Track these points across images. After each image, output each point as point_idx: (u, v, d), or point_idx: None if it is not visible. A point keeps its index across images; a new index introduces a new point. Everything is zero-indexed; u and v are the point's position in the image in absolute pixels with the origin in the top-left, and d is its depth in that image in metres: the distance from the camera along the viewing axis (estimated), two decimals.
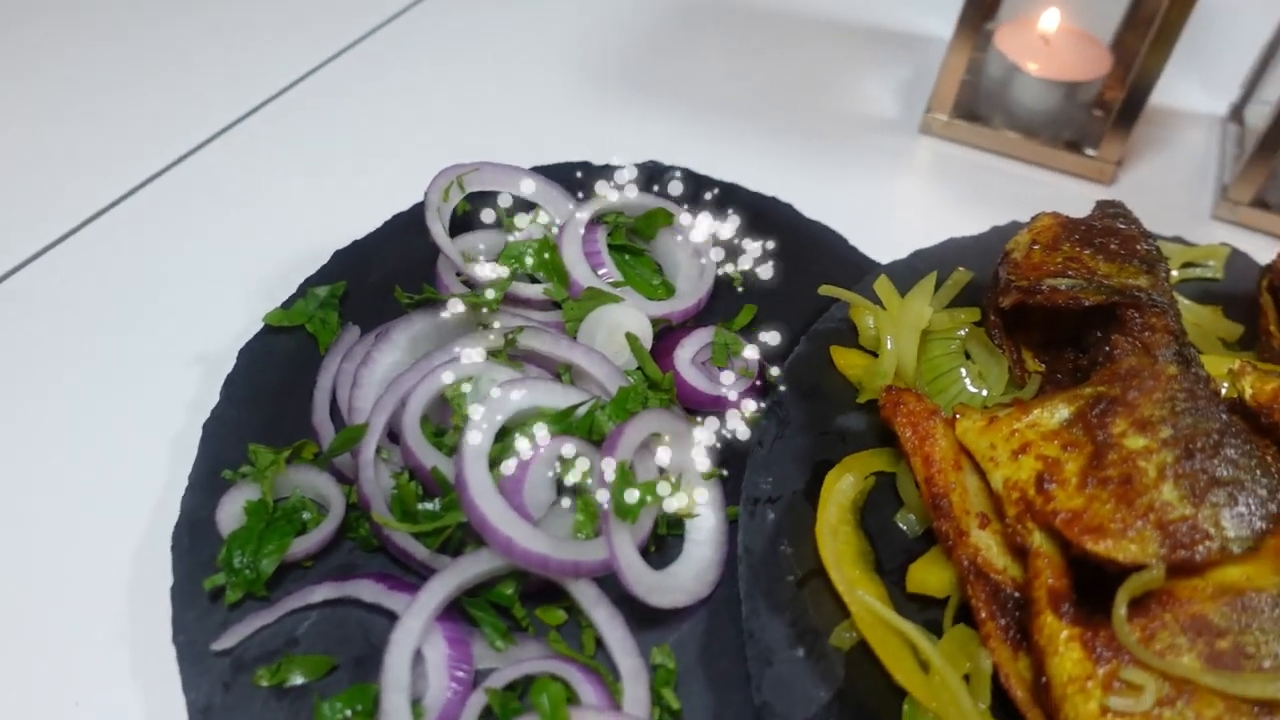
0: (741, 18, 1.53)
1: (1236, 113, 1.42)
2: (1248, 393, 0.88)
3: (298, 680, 0.75)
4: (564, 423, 0.83)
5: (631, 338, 0.92)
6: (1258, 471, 0.75)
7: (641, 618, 0.80)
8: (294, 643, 0.78)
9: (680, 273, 1.04)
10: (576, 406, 0.84)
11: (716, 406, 0.94)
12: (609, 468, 0.78)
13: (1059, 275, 0.91)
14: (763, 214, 1.15)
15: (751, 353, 0.97)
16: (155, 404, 0.96)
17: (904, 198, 1.26)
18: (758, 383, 0.96)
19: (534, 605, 0.81)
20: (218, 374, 0.95)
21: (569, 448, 0.82)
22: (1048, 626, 0.72)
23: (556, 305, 0.97)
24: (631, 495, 0.79)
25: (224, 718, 0.74)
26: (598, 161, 1.15)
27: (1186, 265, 1.10)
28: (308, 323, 0.97)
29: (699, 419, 0.91)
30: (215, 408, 0.92)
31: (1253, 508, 0.73)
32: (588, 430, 0.84)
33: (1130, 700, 0.66)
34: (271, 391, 0.93)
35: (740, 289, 1.07)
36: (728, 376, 0.95)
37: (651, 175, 1.15)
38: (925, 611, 0.81)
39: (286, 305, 0.99)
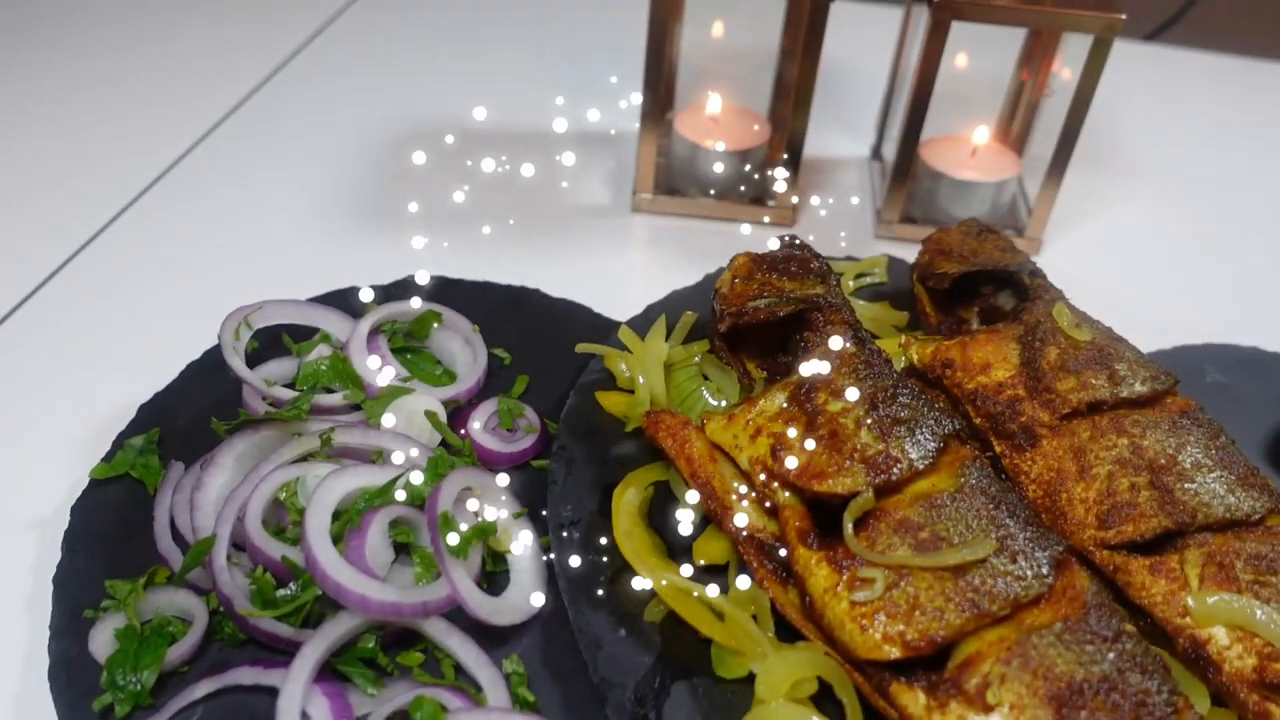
0: (459, 139, 1.73)
1: (876, 152, 1.75)
2: (914, 358, 1.14)
3: None
4: (386, 495, 0.98)
5: (431, 414, 1.08)
6: (925, 409, 1.00)
7: (488, 639, 0.95)
8: None
9: (458, 360, 1.21)
10: (395, 480, 0.99)
11: (513, 462, 1.11)
12: (434, 520, 0.94)
13: (757, 298, 1.15)
14: (518, 300, 1.34)
15: (532, 414, 1.15)
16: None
17: (629, 266, 1.48)
18: (540, 436, 1.13)
19: (395, 653, 0.94)
20: (55, 534, 1.03)
21: (396, 513, 0.96)
22: (801, 557, 0.93)
23: (357, 407, 1.12)
24: (455, 538, 0.94)
25: None
26: (363, 284, 1.31)
27: (859, 275, 1.38)
28: (131, 469, 1.07)
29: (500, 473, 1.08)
30: (60, 562, 1.00)
31: (926, 435, 0.97)
32: (408, 499, 0.98)
33: (868, 592, 0.88)
34: (111, 537, 1.02)
35: (509, 364, 1.24)
36: (517, 437, 1.13)
37: (412, 287, 1.32)
38: (713, 577, 0.99)
39: (107, 459, 1.08)
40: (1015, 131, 1.63)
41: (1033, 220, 1.54)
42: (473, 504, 1.01)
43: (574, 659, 0.95)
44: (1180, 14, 2.32)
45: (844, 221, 1.60)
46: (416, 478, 0.99)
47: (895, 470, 0.94)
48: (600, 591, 0.98)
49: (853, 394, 1.01)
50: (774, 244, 1.25)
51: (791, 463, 0.97)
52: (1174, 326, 1.41)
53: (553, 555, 1.00)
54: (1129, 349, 1.12)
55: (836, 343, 1.07)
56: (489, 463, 1.10)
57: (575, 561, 1.00)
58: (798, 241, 1.25)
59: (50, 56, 1.90)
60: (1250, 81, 2.18)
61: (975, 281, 1.26)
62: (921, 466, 0.95)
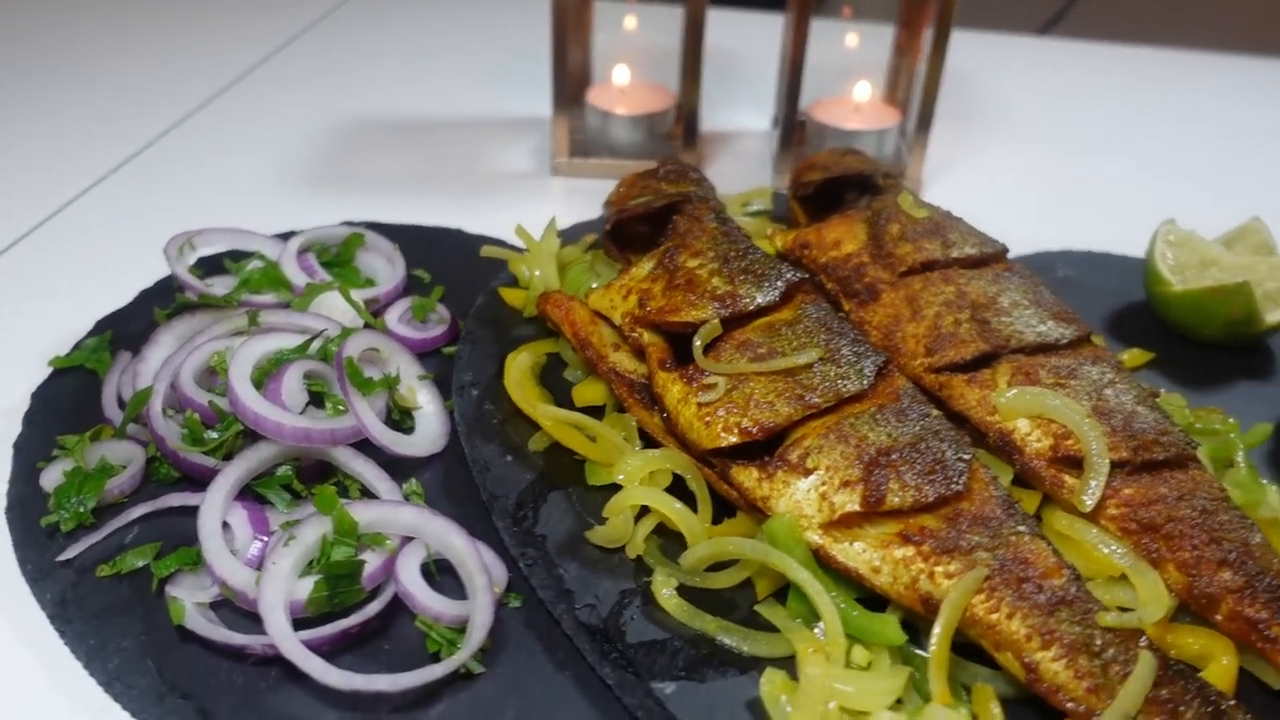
0: (401, 122, 1.92)
1: (775, 122, 1.92)
2: (779, 244, 1.30)
3: (135, 564, 0.98)
4: (302, 351, 1.12)
5: (350, 298, 1.22)
6: (772, 264, 1.14)
7: (393, 471, 1.08)
8: (124, 546, 1.00)
9: (380, 274, 1.37)
10: (310, 340, 1.13)
11: (424, 347, 1.26)
12: (341, 361, 1.08)
13: (638, 198, 1.31)
14: (439, 237, 1.50)
15: (443, 309, 1.30)
16: None
17: (545, 215, 1.63)
18: (450, 327, 1.28)
19: (311, 484, 1.07)
20: (16, 417, 1.16)
21: (311, 366, 1.11)
22: (659, 378, 1.07)
23: (286, 305, 1.26)
24: (361, 380, 1.08)
25: (77, 605, 0.95)
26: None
27: (747, 204, 1.54)
28: (86, 362, 1.21)
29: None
30: (19, 435, 1.14)
31: (772, 281, 1.12)
32: (323, 359, 1.13)
33: (711, 394, 1.01)
34: (66, 412, 1.16)
35: (429, 280, 1.40)
36: (429, 327, 1.28)
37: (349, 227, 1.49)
38: (591, 415, 1.13)
39: (68, 356, 1.23)
40: (901, 90, 1.81)
41: (912, 161, 1.70)
42: (381, 365, 1.15)
43: (468, 486, 1.08)
44: (1063, 12, 2.56)
45: (744, 180, 1.77)
46: (331, 342, 1.14)
47: (740, 304, 1.09)
48: (491, 428, 1.12)
49: (710, 254, 1.16)
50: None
51: (653, 305, 1.11)
52: (1035, 239, 1.56)
53: (455, 410, 1.14)
54: (964, 225, 1.27)
55: (701, 221, 1.23)
56: (404, 347, 1.24)
57: (472, 411, 1.14)
58: (677, 162, 1.41)
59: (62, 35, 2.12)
60: (1114, 64, 2.41)
61: (839, 190, 1.42)
62: (764, 302, 1.09)
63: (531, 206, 1.68)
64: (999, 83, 2.25)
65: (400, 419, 1.15)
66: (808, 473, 0.95)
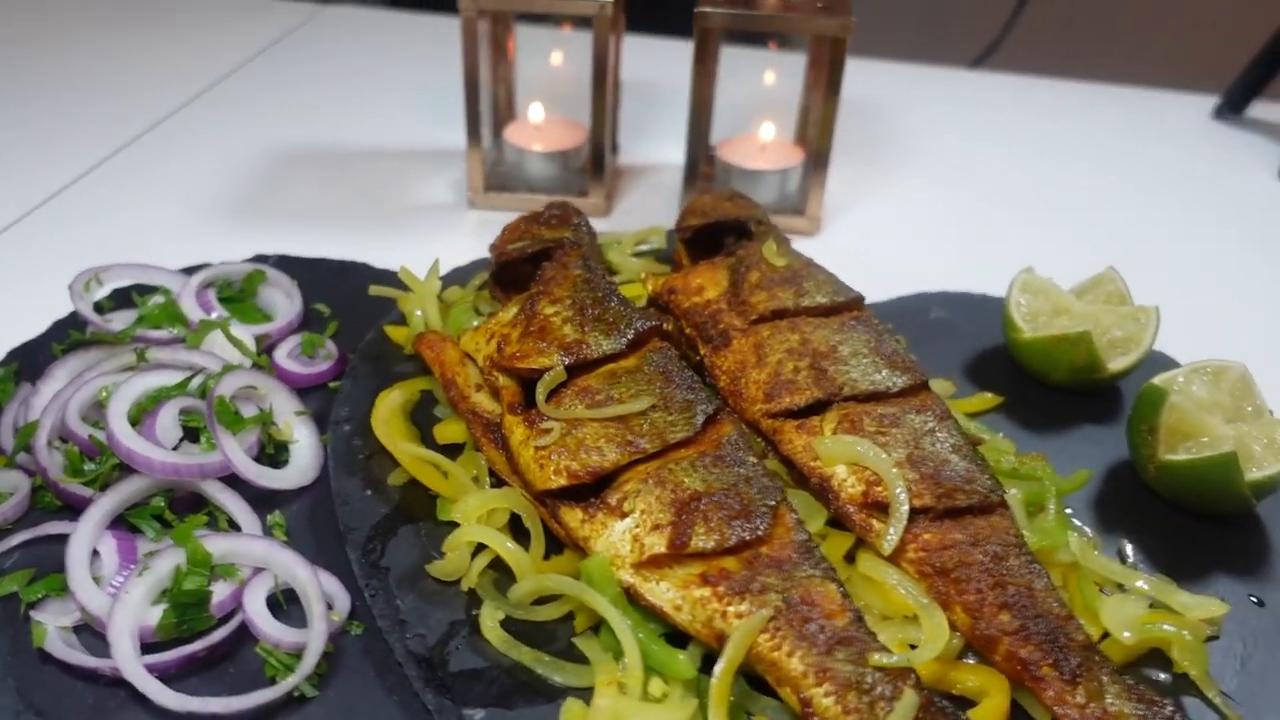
0: (328, 153, 2.00)
1: None
2: (649, 288, 1.37)
3: (9, 589, 1.06)
4: (181, 389, 1.20)
5: (232, 336, 1.30)
6: (627, 315, 1.21)
7: (263, 503, 1.16)
8: (3, 571, 1.09)
9: (279, 310, 1.45)
10: (189, 378, 1.21)
11: (311, 382, 1.34)
12: (211, 400, 1.16)
13: (517, 242, 1.38)
14: (345, 270, 1.58)
15: (332, 346, 1.38)
16: None
17: (457, 249, 1.70)
18: (337, 363, 1.36)
19: (183, 515, 1.15)
20: None
21: (189, 403, 1.19)
22: (508, 422, 1.14)
23: (181, 340, 1.34)
24: (231, 417, 1.16)
25: None
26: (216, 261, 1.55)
27: (640, 242, 1.61)
28: None
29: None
30: None
31: (622, 330, 1.19)
32: (202, 394, 1.21)
33: (547, 438, 1.09)
34: None
35: (328, 314, 1.48)
36: (316, 363, 1.36)
37: (259, 262, 1.57)
38: (452, 452, 1.21)
39: None
40: (810, 131, 1.88)
41: (809, 202, 1.78)
42: (257, 402, 1.23)
43: (332, 517, 1.16)
44: (997, 43, 2.62)
45: (654, 214, 1.84)
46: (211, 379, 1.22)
47: (585, 352, 1.16)
48: (357, 464, 1.19)
49: (567, 302, 1.23)
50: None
51: (509, 350, 1.19)
52: (918, 280, 1.64)
53: (328, 445, 1.22)
54: (823, 274, 1.34)
55: (568, 268, 1.30)
56: (290, 383, 1.32)
57: (342, 446, 1.22)
58: (563, 206, 1.49)
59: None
60: (1035, 99, 2.47)
61: (719, 235, 1.49)
62: (610, 350, 1.17)
63: (445, 240, 1.76)
64: (919, 117, 2.31)
65: (276, 452, 1.23)
66: (624, 515, 1.03)
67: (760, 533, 1.00)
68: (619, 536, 1.02)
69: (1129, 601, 1.05)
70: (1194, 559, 1.17)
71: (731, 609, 0.96)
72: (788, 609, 0.96)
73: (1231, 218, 1.98)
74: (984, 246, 1.83)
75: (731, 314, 1.29)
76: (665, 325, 1.34)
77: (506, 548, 1.05)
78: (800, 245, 1.73)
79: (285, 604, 1.06)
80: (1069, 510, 1.21)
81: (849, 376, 1.19)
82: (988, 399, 1.37)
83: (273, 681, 0.99)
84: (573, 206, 1.48)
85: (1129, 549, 1.18)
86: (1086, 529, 1.19)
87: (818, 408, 1.18)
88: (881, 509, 1.07)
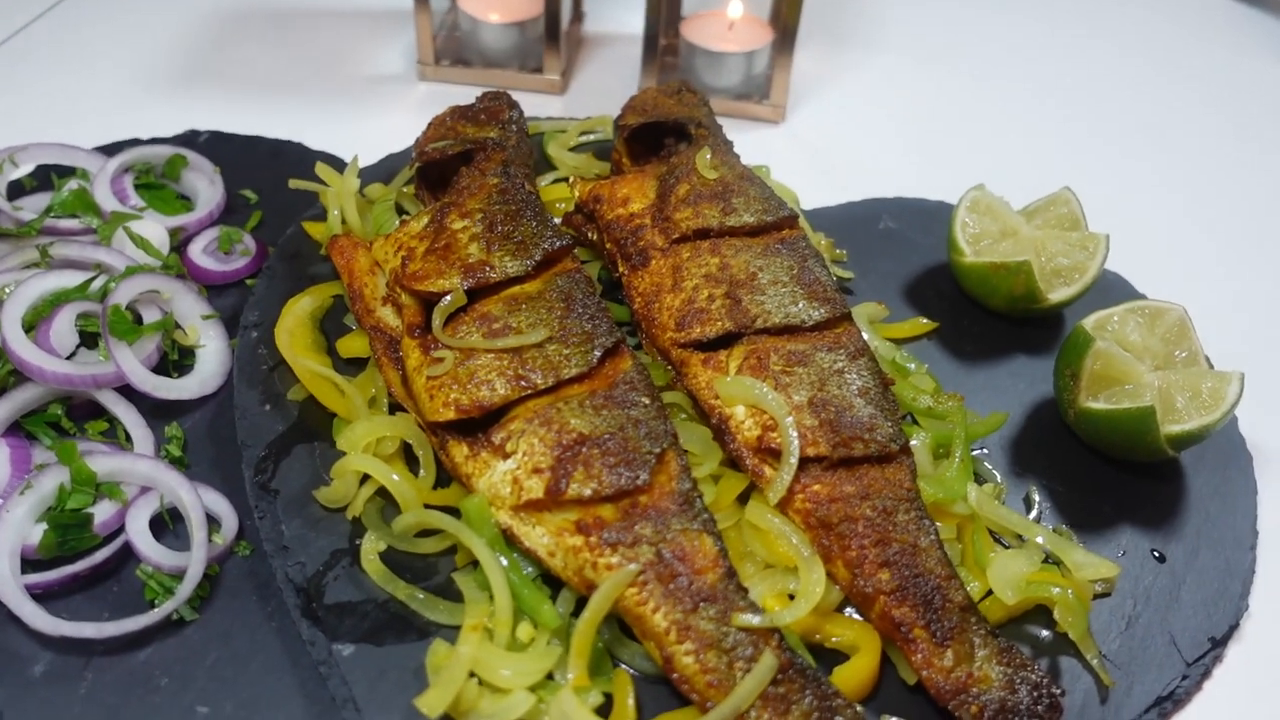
0: (272, 12, 1.90)
1: None
2: (576, 194, 1.31)
3: None
4: (80, 293, 1.17)
5: (137, 236, 1.27)
6: (540, 232, 1.16)
7: (164, 413, 1.15)
8: None
9: (200, 198, 1.40)
10: (89, 282, 1.19)
11: (226, 279, 1.31)
12: (105, 309, 1.13)
13: (440, 141, 1.32)
14: (279, 151, 1.53)
15: (250, 241, 1.34)
16: None
17: (403, 127, 1.63)
18: (255, 259, 1.32)
19: (83, 422, 1.15)
20: None
21: (87, 307, 1.16)
22: (405, 345, 1.11)
23: (94, 231, 1.31)
24: (127, 326, 1.13)
25: None
26: (145, 137, 1.50)
27: (584, 133, 1.54)
28: None
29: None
30: None
31: (529, 250, 1.15)
32: (101, 298, 1.18)
33: (438, 368, 1.06)
34: None
35: (254, 202, 1.43)
36: (232, 259, 1.32)
37: (189, 140, 1.51)
38: (356, 368, 1.19)
39: None
40: (779, 5, 1.76)
41: (774, 88, 1.68)
42: (166, 308, 1.20)
43: (234, 430, 1.15)
44: None
45: (613, 96, 1.75)
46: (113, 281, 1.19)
47: (487, 275, 1.12)
48: (259, 376, 1.18)
49: (478, 216, 1.18)
50: (546, 113, 1.41)
51: (411, 269, 1.15)
52: (877, 182, 1.56)
53: (235, 351, 1.20)
54: (757, 189, 1.28)
55: (485, 175, 1.24)
56: (204, 280, 1.30)
57: (248, 354, 1.20)
58: (501, 97, 1.41)
59: None
60: None
61: (661, 134, 1.42)
62: (514, 273, 1.13)
63: (390, 116, 1.69)
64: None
65: (181, 358, 1.21)
66: (506, 456, 1.01)
67: (640, 482, 0.98)
68: (499, 477, 1.01)
69: (1018, 558, 1.03)
70: (1104, 509, 1.15)
71: (602, 560, 0.96)
72: (658, 563, 0.95)
73: (1235, 111, 1.86)
74: (953, 146, 1.73)
75: (654, 230, 1.23)
76: (590, 236, 1.30)
77: (391, 479, 1.04)
78: (761, 135, 1.67)
79: (172, 524, 1.06)
80: (985, 451, 1.19)
81: (764, 308, 1.15)
82: (921, 324, 1.33)
83: (152, 605, 1.00)
84: (508, 99, 1.41)
85: (1036, 497, 1.15)
86: (996, 474, 1.16)
87: (728, 340, 1.14)
88: (775, 455, 1.05)
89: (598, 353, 1.08)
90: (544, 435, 1.01)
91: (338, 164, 1.48)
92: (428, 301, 1.13)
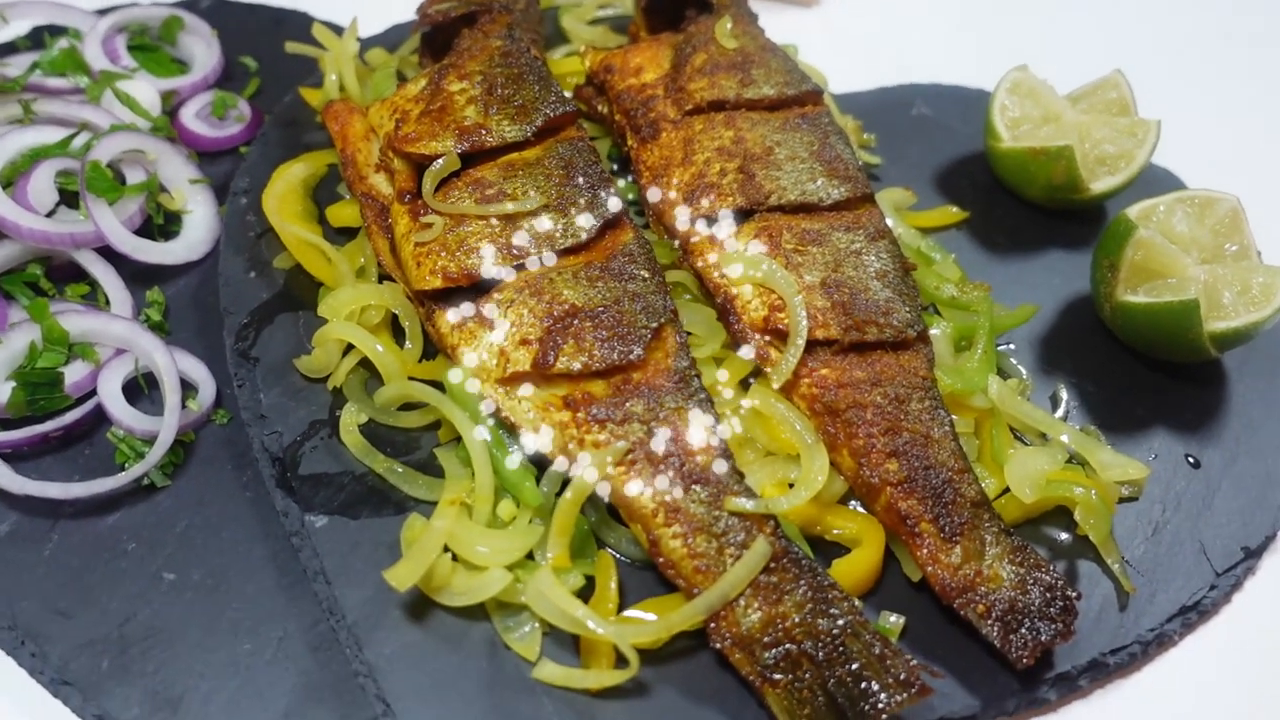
0: None
1: None
2: (586, 64, 1.23)
3: None
4: (60, 149, 1.12)
5: (124, 95, 1.20)
6: (543, 95, 1.09)
7: (148, 278, 1.10)
8: None
9: (195, 61, 1.34)
10: (72, 136, 1.13)
11: (219, 146, 1.25)
12: (83, 165, 1.08)
13: (443, 3, 1.24)
14: (281, 19, 1.46)
15: (245, 107, 1.28)
16: None
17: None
18: (250, 125, 1.26)
19: (63, 283, 1.10)
20: None
21: (66, 165, 1.11)
22: (394, 211, 1.05)
23: (82, 92, 1.25)
24: (108, 184, 1.08)
25: None
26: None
27: (606, 5, 1.45)
28: None
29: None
30: None
31: (530, 115, 1.07)
32: (84, 154, 1.13)
33: (427, 234, 1.00)
34: None
35: (253, 69, 1.36)
36: (226, 125, 1.26)
37: (190, 4, 1.45)
38: (347, 237, 1.13)
39: None
40: None
41: None
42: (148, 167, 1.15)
43: (218, 299, 1.10)
44: None
45: None
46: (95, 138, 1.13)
47: (482, 139, 1.05)
48: (246, 243, 1.12)
49: (478, 78, 1.11)
50: None
51: (404, 131, 1.08)
52: (914, 67, 1.47)
53: (225, 217, 1.14)
54: (778, 60, 1.19)
55: (488, 38, 1.17)
56: (196, 145, 1.24)
57: (236, 221, 1.14)
58: None
59: None
60: None
61: (682, 5, 1.32)
62: (512, 138, 1.06)
63: None
64: None
65: (167, 223, 1.16)
66: (494, 327, 0.95)
67: (633, 357, 0.92)
68: (487, 348, 0.95)
69: (1039, 455, 0.96)
70: (1137, 411, 1.08)
71: (589, 437, 0.90)
72: (648, 441, 0.89)
73: None
74: (1000, 30, 1.61)
75: (666, 101, 1.15)
76: (600, 109, 1.22)
77: (375, 349, 0.99)
78: (792, 19, 1.57)
79: (147, 389, 1.02)
80: (1011, 346, 1.12)
81: (779, 184, 1.07)
82: (951, 214, 1.24)
83: (122, 469, 0.96)
84: None
85: (1065, 395, 1.08)
86: (1022, 370, 1.09)
87: (739, 216, 1.06)
88: (782, 337, 0.98)
89: (597, 223, 1.01)
90: (534, 306, 0.95)
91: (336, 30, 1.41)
92: (420, 166, 1.06)
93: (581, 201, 1.02)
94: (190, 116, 1.25)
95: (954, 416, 0.98)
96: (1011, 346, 1.12)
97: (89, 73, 1.26)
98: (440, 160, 1.03)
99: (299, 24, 1.45)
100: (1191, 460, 1.04)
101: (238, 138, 1.26)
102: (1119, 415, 1.07)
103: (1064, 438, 0.99)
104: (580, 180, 1.04)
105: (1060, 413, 1.06)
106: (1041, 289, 1.17)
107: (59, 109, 1.19)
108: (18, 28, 1.34)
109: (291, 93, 1.28)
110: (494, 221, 1.00)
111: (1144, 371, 1.10)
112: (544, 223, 1.00)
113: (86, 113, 1.19)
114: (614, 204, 1.03)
